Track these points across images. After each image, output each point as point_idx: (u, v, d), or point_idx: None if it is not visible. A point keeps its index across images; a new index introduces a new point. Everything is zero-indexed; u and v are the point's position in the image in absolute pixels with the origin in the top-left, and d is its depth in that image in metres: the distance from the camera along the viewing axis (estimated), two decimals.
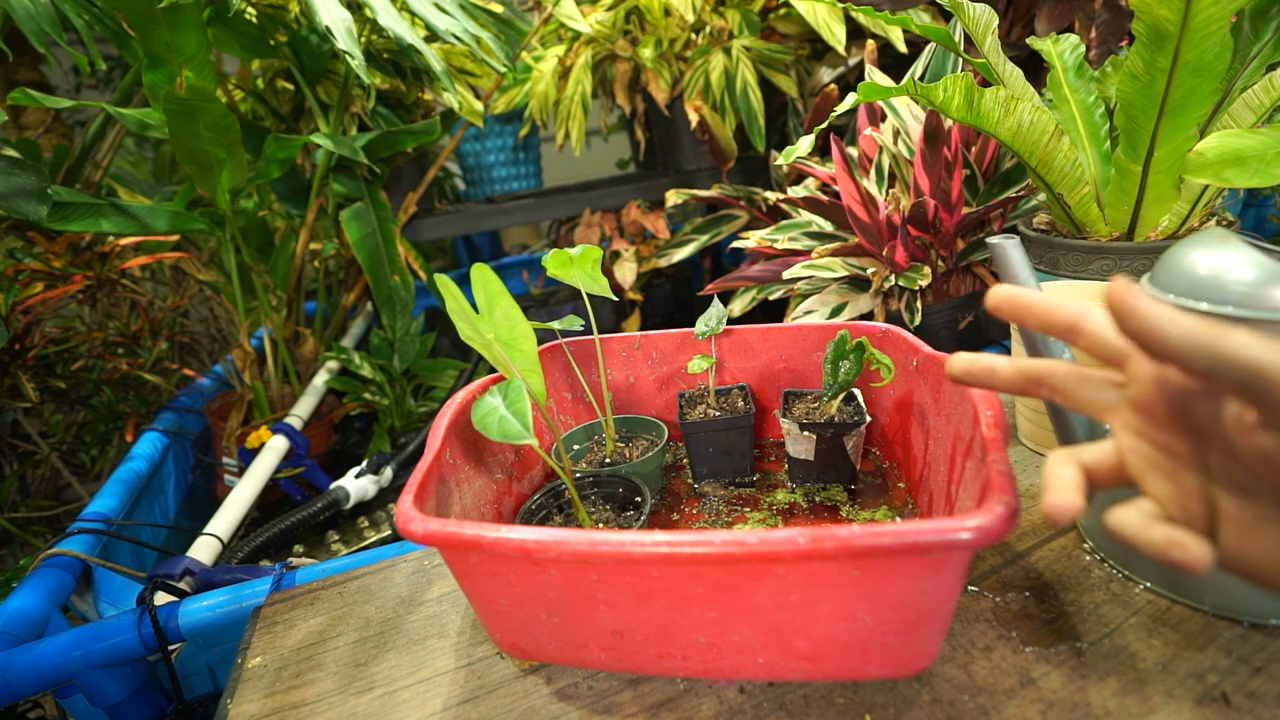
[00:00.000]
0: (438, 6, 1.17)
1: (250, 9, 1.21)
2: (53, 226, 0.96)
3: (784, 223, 1.14)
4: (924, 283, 0.91)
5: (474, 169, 1.82)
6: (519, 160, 1.84)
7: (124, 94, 1.30)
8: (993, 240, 0.47)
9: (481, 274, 0.48)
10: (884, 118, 1.05)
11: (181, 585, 0.74)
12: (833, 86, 1.24)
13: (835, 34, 1.27)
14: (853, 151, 1.14)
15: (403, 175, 1.45)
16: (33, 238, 1.18)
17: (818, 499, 0.61)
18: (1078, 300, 0.32)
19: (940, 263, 1.00)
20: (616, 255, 1.49)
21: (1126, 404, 0.30)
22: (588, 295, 0.66)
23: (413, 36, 1.08)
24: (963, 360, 0.36)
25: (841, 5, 0.85)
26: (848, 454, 0.60)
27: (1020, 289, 0.32)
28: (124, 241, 1.29)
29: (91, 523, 0.86)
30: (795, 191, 1.18)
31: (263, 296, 1.29)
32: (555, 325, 0.64)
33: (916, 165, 0.92)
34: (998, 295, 0.33)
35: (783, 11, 1.46)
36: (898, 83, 0.75)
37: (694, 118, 1.43)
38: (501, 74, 1.29)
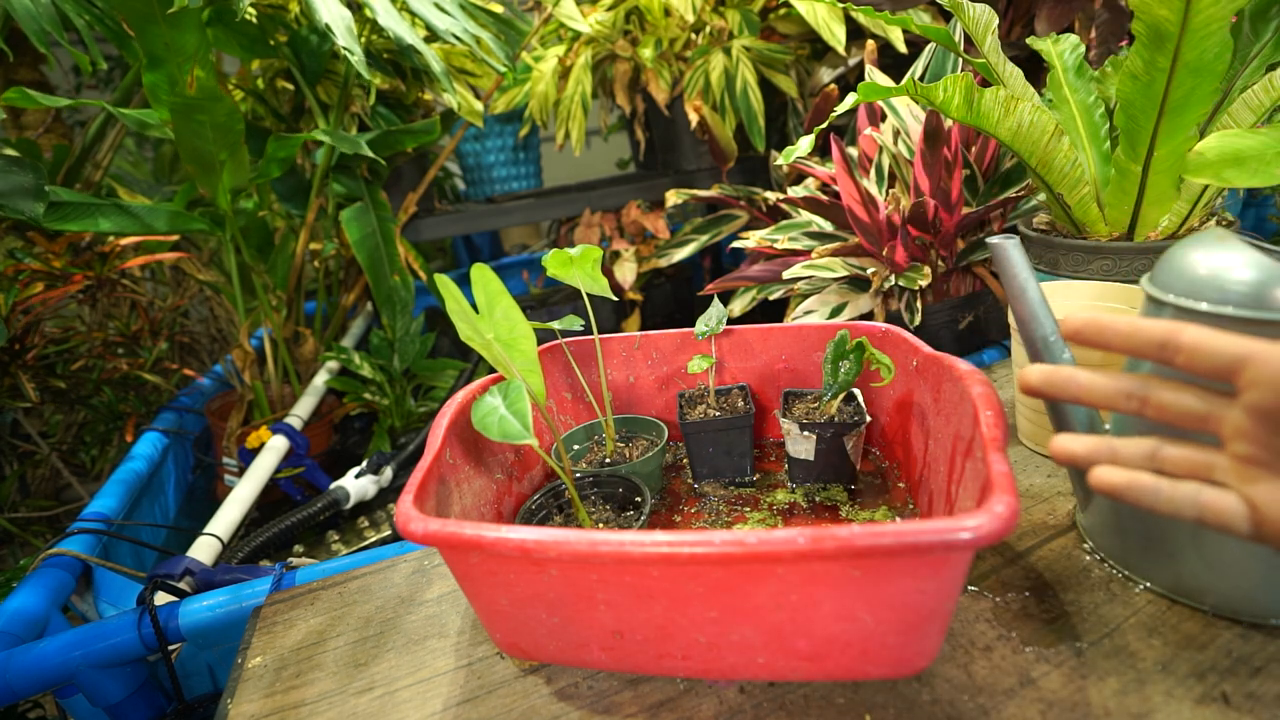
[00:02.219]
0: (438, 6, 1.17)
1: (250, 9, 1.21)
2: (52, 226, 0.96)
3: (784, 223, 1.14)
4: (924, 283, 0.91)
5: (474, 169, 1.81)
6: (519, 160, 1.84)
7: (124, 94, 1.30)
8: (993, 240, 0.47)
9: (481, 274, 0.48)
10: (884, 118, 1.05)
11: (181, 585, 0.74)
12: (833, 86, 1.24)
13: (835, 34, 1.27)
14: (853, 151, 1.14)
15: (403, 175, 1.45)
16: (33, 238, 1.18)
17: (818, 499, 0.61)
18: (1160, 322, 0.33)
19: (940, 263, 1.00)
20: (616, 255, 1.49)
21: (1243, 410, 0.30)
22: (588, 295, 0.66)
23: (413, 36, 1.08)
24: (1039, 372, 0.36)
25: (841, 5, 0.85)
26: (848, 454, 0.60)
27: (1102, 315, 0.34)
28: (124, 241, 1.29)
29: (91, 523, 0.86)
30: (795, 191, 1.18)
31: (263, 296, 1.29)
32: (555, 325, 0.64)
33: (916, 165, 0.92)
34: (1078, 321, 0.34)
35: (783, 11, 1.46)
36: (898, 83, 0.75)
37: (694, 118, 1.42)
38: (501, 74, 1.29)
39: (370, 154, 1.16)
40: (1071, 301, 0.66)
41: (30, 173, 0.88)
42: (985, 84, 0.71)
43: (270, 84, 1.42)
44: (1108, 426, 0.49)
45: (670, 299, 1.83)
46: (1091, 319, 0.34)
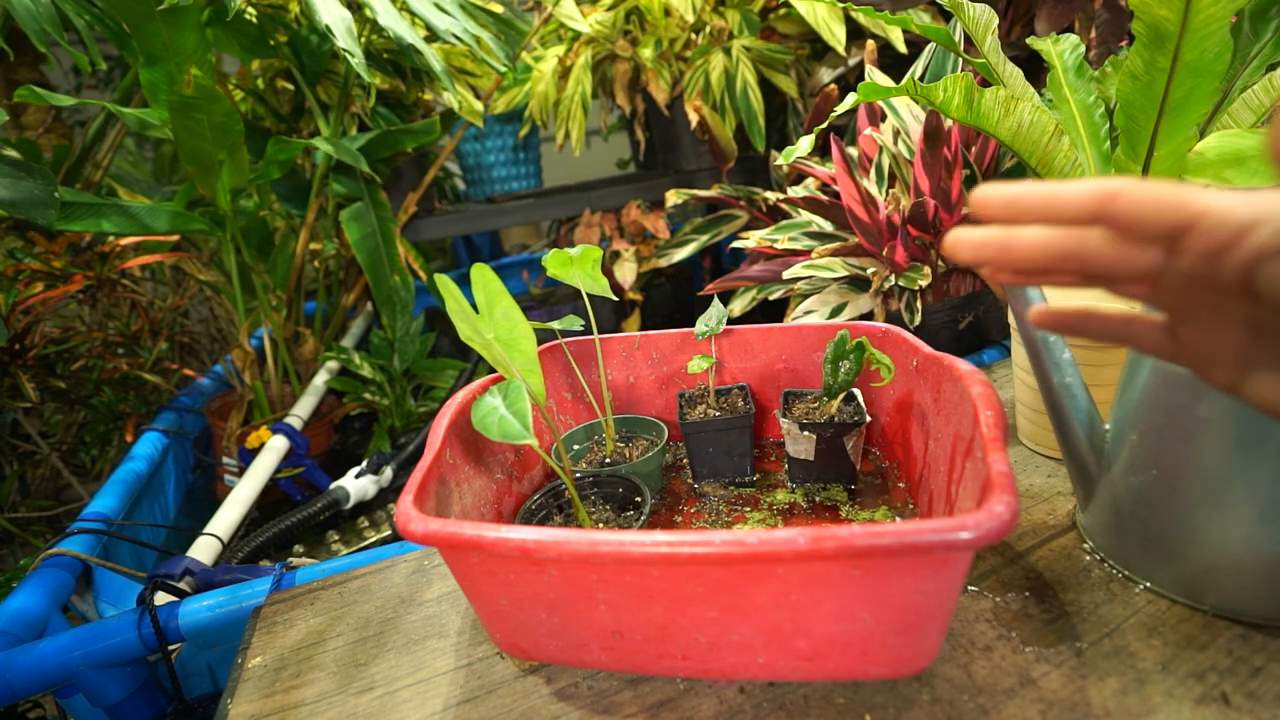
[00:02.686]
0: (438, 6, 1.17)
1: (250, 9, 1.21)
2: (56, 227, 0.96)
3: (784, 223, 1.14)
4: (924, 283, 0.91)
5: (474, 169, 1.81)
6: (519, 160, 1.84)
7: (124, 94, 1.30)
8: None
9: (481, 274, 0.48)
10: (884, 118, 1.05)
11: (181, 585, 0.74)
12: (833, 86, 1.24)
13: (835, 34, 1.27)
14: (853, 151, 1.14)
15: (403, 175, 1.45)
16: (33, 238, 1.18)
17: (818, 499, 0.61)
18: (1090, 183, 0.28)
19: (940, 263, 1.00)
20: (616, 255, 1.49)
21: (1182, 277, 0.28)
22: (588, 295, 0.66)
23: (413, 36, 1.08)
24: (969, 241, 0.31)
25: (841, 5, 0.85)
26: (848, 454, 0.60)
27: (1017, 186, 0.29)
28: (124, 241, 1.29)
29: (91, 523, 0.86)
30: (795, 191, 1.18)
31: (263, 296, 1.29)
32: (555, 325, 0.64)
33: (916, 165, 0.92)
34: (986, 194, 0.29)
35: (783, 11, 1.46)
36: (898, 83, 0.75)
37: (694, 118, 1.42)
38: (501, 74, 1.29)
39: (366, 168, 1.16)
40: (1071, 301, 0.66)
41: (41, 180, 0.89)
42: (985, 84, 0.71)
43: (270, 84, 1.42)
44: (1108, 426, 0.49)
45: (670, 299, 1.83)
46: (1004, 191, 0.29)
